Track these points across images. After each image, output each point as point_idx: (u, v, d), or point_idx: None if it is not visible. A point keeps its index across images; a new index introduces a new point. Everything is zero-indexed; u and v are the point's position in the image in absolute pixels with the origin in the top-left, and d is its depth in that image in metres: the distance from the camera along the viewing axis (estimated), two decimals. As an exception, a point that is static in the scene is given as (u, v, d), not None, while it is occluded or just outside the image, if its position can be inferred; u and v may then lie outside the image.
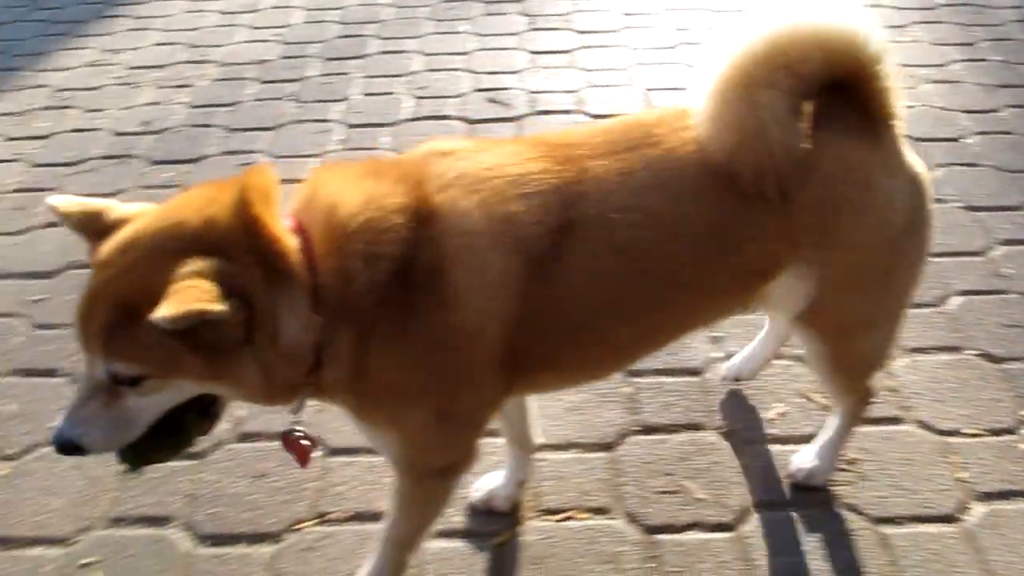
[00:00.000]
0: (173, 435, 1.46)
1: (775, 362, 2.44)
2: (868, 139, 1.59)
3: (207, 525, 2.11)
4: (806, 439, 2.21)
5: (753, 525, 2.03)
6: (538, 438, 2.09)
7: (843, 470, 2.15)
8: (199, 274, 1.24)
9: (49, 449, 2.33)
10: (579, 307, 1.54)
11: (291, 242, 1.35)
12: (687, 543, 2.00)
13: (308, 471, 2.05)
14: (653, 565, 1.95)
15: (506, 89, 4.05)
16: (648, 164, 1.54)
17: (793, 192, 1.53)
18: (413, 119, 3.84)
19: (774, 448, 2.23)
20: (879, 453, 2.20)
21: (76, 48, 4.84)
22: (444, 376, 1.50)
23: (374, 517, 1.74)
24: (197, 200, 1.38)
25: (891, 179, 1.61)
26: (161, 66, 4.55)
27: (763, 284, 1.66)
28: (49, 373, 2.61)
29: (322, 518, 2.10)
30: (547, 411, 2.32)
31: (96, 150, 3.81)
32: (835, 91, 1.55)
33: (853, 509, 2.06)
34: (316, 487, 2.18)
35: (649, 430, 2.28)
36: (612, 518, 2.06)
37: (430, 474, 1.67)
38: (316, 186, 1.48)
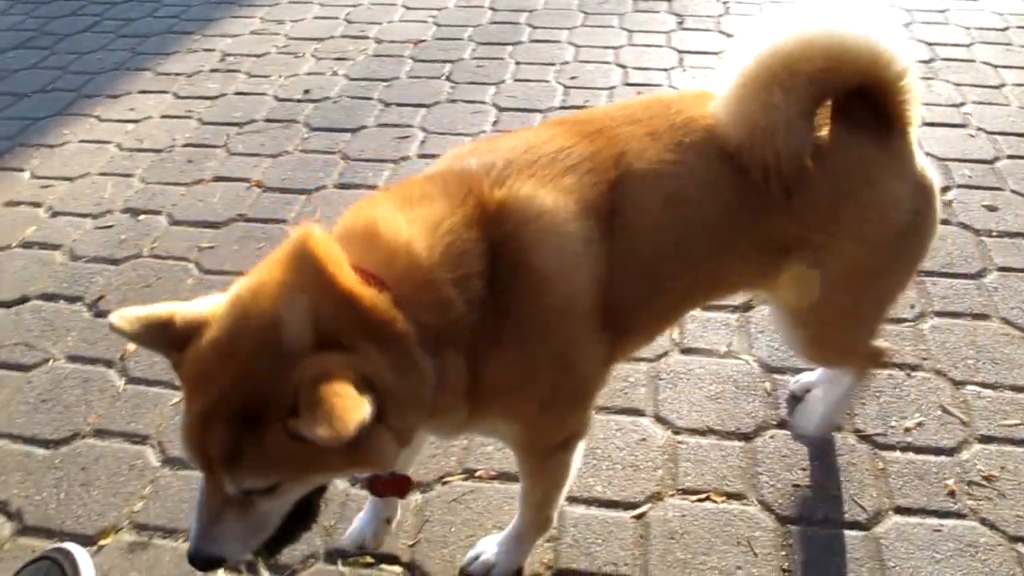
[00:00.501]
0: (302, 518, 1.41)
1: (916, 374, 2.45)
2: (880, 139, 1.62)
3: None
4: (944, 451, 2.22)
5: (887, 527, 2.05)
6: (679, 420, 2.16)
7: (981, 486, 2.15)
8: (330, 376, 1.14)
9: (217, 383, 2.51)
10: (647, 258, 1.56)
11: (387, 305, 1.27)
12: (820, 536, 2.04)
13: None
14: (785, 553, 2.00)
15: (655, 85, 4.10)
16: (674, 128, 1.58)
17: (796, 190, 1.57)
18: (563, 107, 3.93)
19: (910, 456, 2.24)
20: (1019, 472, 2.18)
21: (242, 16, 5.10)
22: (554, 361, 1.51)
23: (517, 479, 1.84)
24: (271, 286, 1.26)
25: (898, 181, 1.64)
26: (320, 39, 4.76)
27: (779, 260, 1.68)
28: (217, 314, 2.79)
29: (470, 474, 2.21)
30: (689, 397, 2.40)
31: (260, 113, 4.03)
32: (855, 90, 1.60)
33: (990, 525, 2.06)
34: (464, 446, 2.29)
35: (786, 425, 2.32)
36: (747, 504, 2.12)
37: (550, 450, 1.70)
38: (366, 228, 1.38)
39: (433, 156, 3.51)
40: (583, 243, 1.46)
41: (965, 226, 3.08)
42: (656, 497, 2.14)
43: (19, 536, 2.13)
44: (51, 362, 2.65)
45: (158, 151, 3.76)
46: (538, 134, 1.58)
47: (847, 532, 2.04)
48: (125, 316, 1.28)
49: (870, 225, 1.64)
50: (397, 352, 1.26)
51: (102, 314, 2.83)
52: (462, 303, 1.35)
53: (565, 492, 1.86)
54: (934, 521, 2.07)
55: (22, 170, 3.67)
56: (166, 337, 1.28)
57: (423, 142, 3.71)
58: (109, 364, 2.63)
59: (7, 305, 2.90)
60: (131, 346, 2.67)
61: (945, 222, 3.09)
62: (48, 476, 2.28)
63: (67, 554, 1.98)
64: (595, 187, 1.49)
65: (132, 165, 3.67)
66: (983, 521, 2.07)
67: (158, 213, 3.34)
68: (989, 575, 1.95)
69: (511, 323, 1.40)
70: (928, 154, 3.38)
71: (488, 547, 1.95)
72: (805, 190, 1.58)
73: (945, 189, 3.27)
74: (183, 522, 2.14)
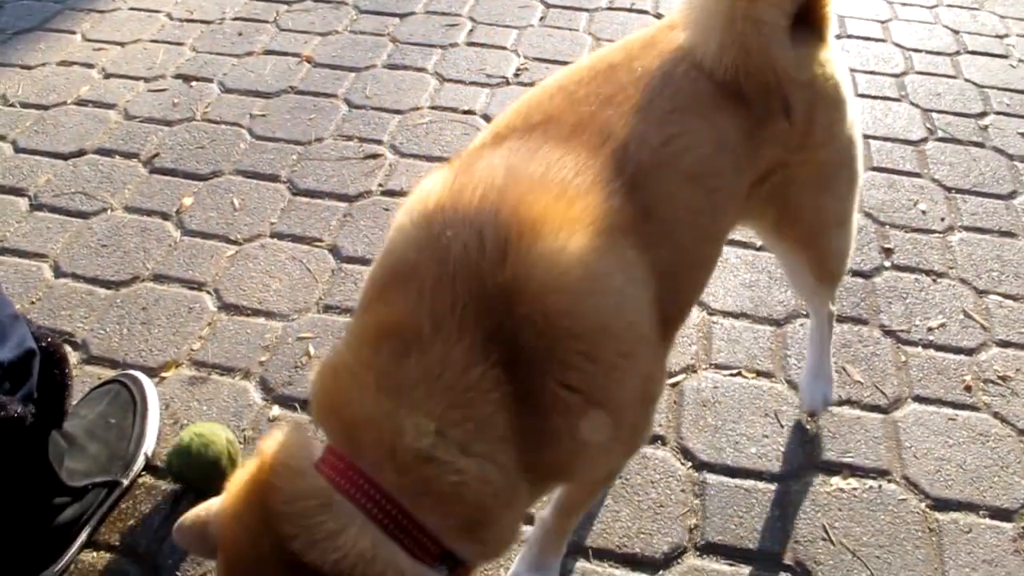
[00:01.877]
0: None
1: (942, 281, 2.54)
2: (822, 43, 1.55)
3: (410, 323, 2.35)
4: (963, 351, 2.32)
5: (905, 412, 2.16)
6: (715, 303, 2.24)
7: (996, 384, 2.25)
8: None
9: (270, 239, 2.61)
10: (687, 246, 1.40)
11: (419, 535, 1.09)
12: (843, 415, 2.15)
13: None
14: (809, 427, 2.11)
15: None
16: (655, 92, 1.37)
17: (795, 106, 1.47)
18: (610, 8, 3.94)
19: (931, 352, 2.34)
20: (1034, 375, 2.29)
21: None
22: (629, 407, 1.29)
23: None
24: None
25: (842, 76, 1.59)
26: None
27: (757, 192, 1.57)
28: (270, 178, 2.87)
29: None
30: (725, 283, 2.50)
31: (311, -8, 4.04)
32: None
33: (1001, 419, 2.16)
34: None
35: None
36: (775, 382, 2.22)
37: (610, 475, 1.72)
38: (335, 402, 1.14)
39: (481, 46, 3.55)
40: (624, 274, 1.21)
41: (999, 150, 3.13)
42: (691, 369, 2.25)
43: (85, 364, 2.24)
44: (110, 211, 2.74)
45: (208, 23, 3.78)
46: (513, 150, 1.27)
47: (868, 414, 2.15)
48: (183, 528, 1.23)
49: (838, 124, 1.61)
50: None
51: (158, 171, 2.90)
52: (480, 443, 1.09)
53: None
54: (949, 411, 2.18)
55: (73, 32, 3.70)
56: (208, 546, 1.19)
57: (471, 31, 3.73)
58: (166, 216, 2.71)
59: (65, 157, 2.97)
60: (187, 201, 2.75)
61: (979, 145, 3.14)
62: (110, 313, 2.38)
63: (135, 380, 2.10)
64: (611, 199, 1.22)
65: (183, 35, 3.69)
66: (995, 415, 2.17)
67: (210, 81, 3.38)
68: (997, 462, 2.06)
69: (576, 399, 1.14)
70: (968, 80, 3.43)
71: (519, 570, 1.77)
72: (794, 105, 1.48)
73: (982, 115, 3.31)
74: (240, 362, 2.25)
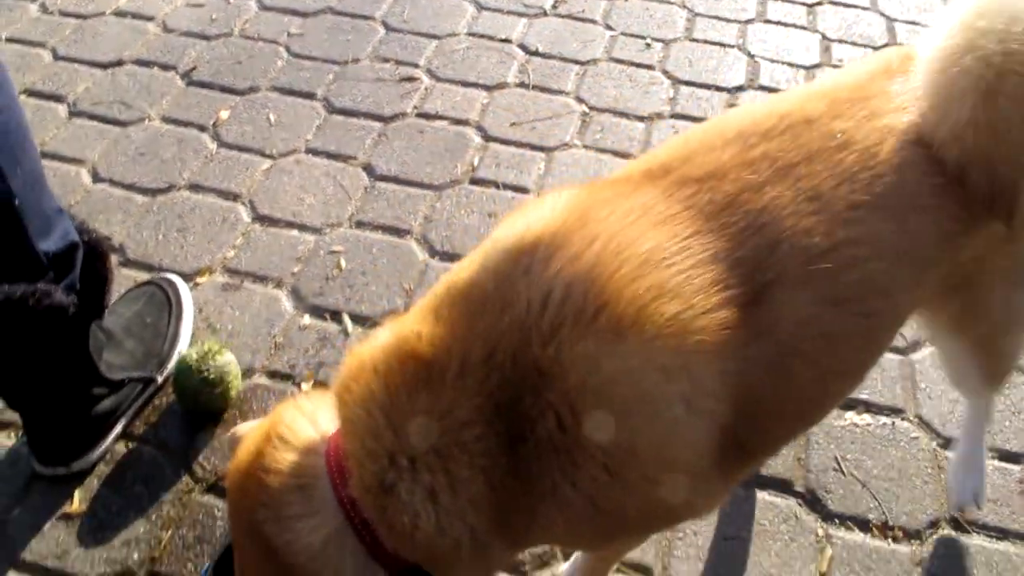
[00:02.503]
0: None
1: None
2: None
3: (441, 244, 2.39)
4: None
5: (923, 355, 2.18)
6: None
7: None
8: None
9: (304, 155, 2.64)
10: (795, 381, 1.14)
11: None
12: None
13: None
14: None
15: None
16: (847, 177, 1.13)
17: (1016, 213, 1.19)
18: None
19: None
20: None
21: None
22: (639, 517, 1.17)
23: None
24: None
25: None
26: None
27: (949, 293, 1.33)
28: (307, 96, 2.89)
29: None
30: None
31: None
32: None
33: (1018, 369, 2.18)
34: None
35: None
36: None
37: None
38: (347, 393, 1.11)
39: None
40: (686, 405, 1.04)
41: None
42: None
43: (122, 268, 2.28)
44: (147, 121, 2.77)
45: (247, -60, 3.75)
46: (638, 207, 1.10)
47: (886, 355, 2.17)
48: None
49: None
50: None
51: (195, 84, 2.92)
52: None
53: None
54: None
55: (113, -57, 3.68)
56: None
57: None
58: (202, 128, 2.74)
59: (103, 66, 2.99)
60: (224, 114, 2.77)
61: None
62: (147, 219, 2.42)
63: (170, 283, 2.14)
64: (723, 309, 1.04)
65: (222, -50, 3.67)
66: (1013, 362, 2.19)
67: (248, -3, 3.38)
68: (1010, 407, 2.09)
69: (580, 499, 1.06)
70: None
71: None
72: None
73: None
74: (273, 271, 2.29)
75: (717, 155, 1.15)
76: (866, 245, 1.11)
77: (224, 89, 2.89)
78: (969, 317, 1.43)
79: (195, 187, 2.53)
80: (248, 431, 1.23)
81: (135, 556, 1.74)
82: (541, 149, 2.70)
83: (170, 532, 1.78)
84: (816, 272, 1.08)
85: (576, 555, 1.63)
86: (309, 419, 1.17)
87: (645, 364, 1.01)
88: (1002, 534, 1.85)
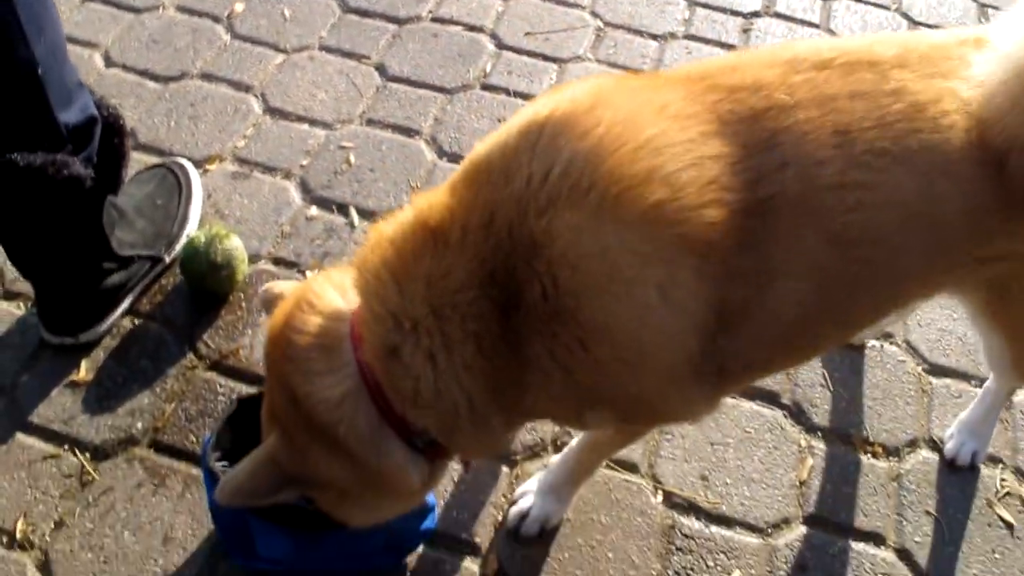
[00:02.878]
0: None
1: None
2: None
3: (450, 145, 2.40)
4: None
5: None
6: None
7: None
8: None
9: (318, 52, 2.62)
10: (786, 310, 1.15)
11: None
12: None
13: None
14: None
15: None
16: (883, 122, 1.10)
17: None
18: None
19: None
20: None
21: None
22: (620, 402, 1.21)
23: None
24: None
25: None
26: None
27: (975, 269, 1.29)
28: (322, -8, 2.86)
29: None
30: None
31: None
32: None
33: None
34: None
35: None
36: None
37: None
38: (365, 261, 1.17)
39: None
40: (661, 293, 1.05)
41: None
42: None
43: (134, 151, 2.28)
44: (161, 9, 2.74)
45: None
46: (656, 102, 1.11)
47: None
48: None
49: None
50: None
51: (210, -27, 2.88)
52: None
53: None
54: (960, 287, 2.23)
55: None
56: None
57: None
58: (216, 19, 2.72)
59: (118, -49, 2.94)
60: (238, 7, 2.75)
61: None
62: (159, 105, 2.43)
63: (181, 167, 2.16)
64: (713, 209, 1.04)
65: None
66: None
67: None
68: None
69: (557, 370, 1.10)
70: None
71: (533, 499, 1.69)
72: None
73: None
74: (282, 163, 2.31)
75: (759, 72, 1.14)
76: (879, 193, 1.10)
77: (240, -19, 2.86)
78: (1000, 309, 1.41)
79: (207, 76, 2.52)
80: (281, 289, 1.30)
81: (139, 425, 1.79)
82: (554, 60, 2.69)
83: (173, 405, 1.83)
84: (817, 203, 1.08)
85: (568, 446, 1.68)
86: (338, 289, 1.23)
87: (620, 244, 1.03)
88: (977, 456, 1.90)
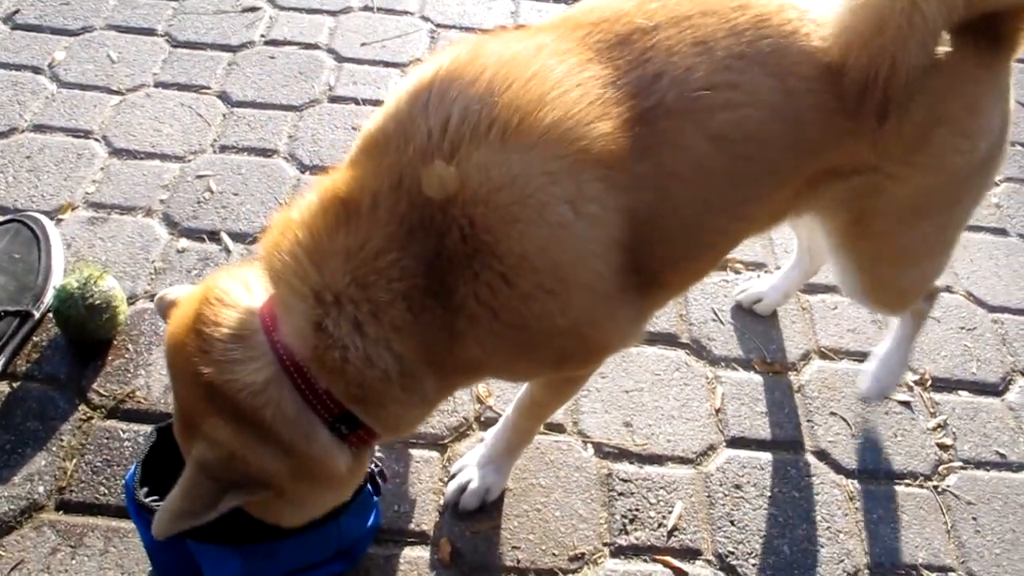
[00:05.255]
0: None
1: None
2: (986, 63, 1.31)
3: (310, 159, 2.33)
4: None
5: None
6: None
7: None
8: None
9: (154, 88, 2.50)
10: (686, 210, 1.20)
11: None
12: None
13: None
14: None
15: None
16: (736, 32, 1.18)
17: (890, 114, 1.23)
18: None
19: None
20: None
21: None
22: (554, 336, 1.19)
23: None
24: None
25: (995, 109, 1.36)
26: None
27: (827, 185, 1.35)
28: (147, 32, 2.72)
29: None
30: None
31: None
32: None
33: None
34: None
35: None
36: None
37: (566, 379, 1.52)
38: (273, 249, 1.13)
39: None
40: (572, 208, 1.07)
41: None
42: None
43: (-27, 213, 2.11)
44: (-27, 68, 2.54)
45: None
46: (532, 45, 1.14)
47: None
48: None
49: (957, 156, 1.34)
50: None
51: (21, 27, 2.69)
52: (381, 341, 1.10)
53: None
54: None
55: None
56: None
57: None
58: (37, 70, 2.54)
59: (-88, 18, 2.71)
60: (59, 55, 2.58)
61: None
62: (-8, 164, 2.24)
63: (33, 219, 2.00)
64: (606, 127, 1.08)
65: None
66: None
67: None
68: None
69: (484, 312, 1.10)
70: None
71: (471, 472, 1.66)
72: (898, 114, 1.24)
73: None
74: (140, 201, 2.18)
75: (617, 4, 1.20)
76: (743, 92, 1.16)
77: (54, 31, 2.68)
78: (856, 233, 1.45)
79: (40, 128, 2.35)
80: (179, 294, 1.22)
81: (40, 489, 1.64)
82: (395, 65, 2.67)
83: (75, 461, 1.68)
84: (693, 105, 1.13)
85: (503, 416, 1.65)
86: (242, 284, 1.18)
87: (528, 168, 1.05)
88: (861, 357, 2.01)
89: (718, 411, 1.87)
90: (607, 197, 1.09)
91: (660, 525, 1.68)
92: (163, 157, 2.30)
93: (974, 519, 1.76)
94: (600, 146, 1.08)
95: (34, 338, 1.86)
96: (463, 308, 1.09)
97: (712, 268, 1.52)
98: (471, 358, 1.15)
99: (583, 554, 1.63)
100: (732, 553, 1.65)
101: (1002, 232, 2.41)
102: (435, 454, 1.74)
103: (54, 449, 1.69)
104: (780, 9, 1.20)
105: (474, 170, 1.04)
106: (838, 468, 1.79)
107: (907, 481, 1.80)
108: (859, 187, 1.34)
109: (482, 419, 1.80)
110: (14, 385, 1.78)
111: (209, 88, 2.52)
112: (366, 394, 1.13)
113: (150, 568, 1.51)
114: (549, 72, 1.09)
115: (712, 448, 1.80)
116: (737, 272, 2.17)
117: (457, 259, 1.06)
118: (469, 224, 1.05)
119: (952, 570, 1.68)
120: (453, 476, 1.68)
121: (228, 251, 2.08)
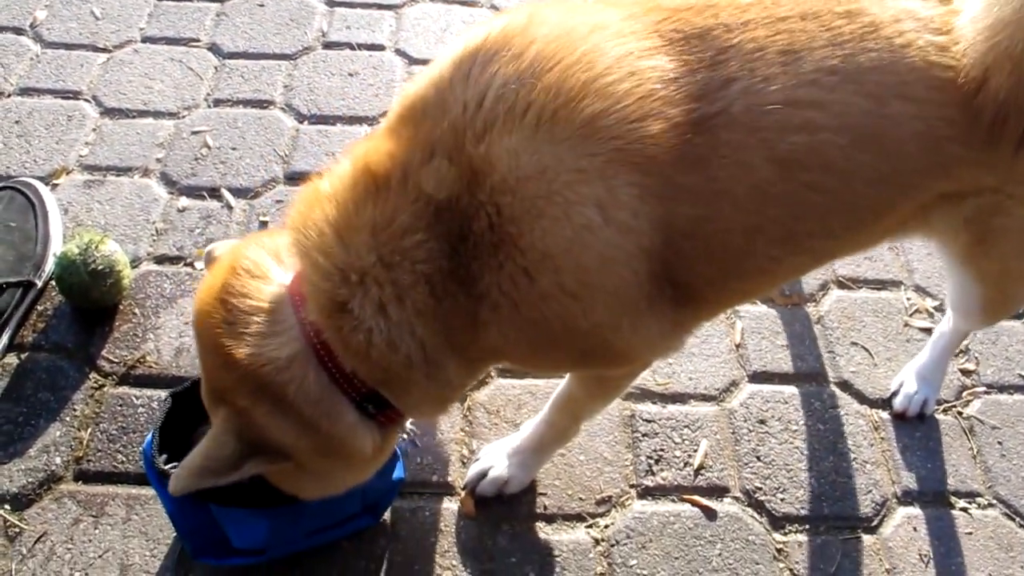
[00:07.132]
0: None
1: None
2: None
3: (308, 108, 2.24)
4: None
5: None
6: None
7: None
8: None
9: (142, 44, 2.39)
10: (733, 232, 1.06)
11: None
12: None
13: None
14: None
15: None
16: (835, 42, 1.01)
17: None
18: None
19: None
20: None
21: None
22: (575, 341, 1.11)
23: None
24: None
25: None
26: None
27: (945, 208, 1.18)
28: (128, -16, 2.60)
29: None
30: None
31: None
32: None
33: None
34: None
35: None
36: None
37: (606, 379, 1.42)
38: (301, 221, 1.07)
39: None
40: (600, 212, 0.97)
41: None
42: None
43: (-36, 182, 2.02)
44: (-47, 33, 2.43)
45: None
46: (592, 21, 1.02)
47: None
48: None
49: None
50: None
51: (-2, -11, 2.57)
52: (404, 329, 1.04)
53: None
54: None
55: None
56: None
57: None
58: (19, 31, 2.42)
59: None
60: (40, 14, 2.47)
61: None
62: (-20, 130, 2.15)
63: (27, 184, 1.92)
64: (654, 128, 0.96)
65: None
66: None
67: None
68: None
69: (506, 303, 1.02)
70: None
71: (496, 460, 1.56)
72: None
73: None
74: (136, 161, 2.09)
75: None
76: (827, 113, 1.00)
77: (33, -12, 2.56)
78: (979, 254, 1.29)
79: (27, 91, 2.25)
80: (223, 250, 1.19)
81: (57, 460, 1.59)
82: (389, 8, 2.56)
83: (90, 430, 1.63)
84: (762, 121, 0.99)
85: (540, 412, 1.56)
86: (271, 253, 1.12)
87: (558, 163, 0.95)
88: (879, 285, 1.95)
89: (738, 346, 1.81)
90: (640, 205, 0.98)
91: (686, 464, 1.63)
92: (156, 114, 2.20)
93: (999, 443, 1.71)
94: (640, 149, 0.96)
95: (38, 307, 1.79)
96: (487, 296, 1.02)
97: (767, 292, 1.39)
98: (494, 346, 1.09)
99: (610, 497, 1.58)
100: (760, 489, 1.62)
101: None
102: (456, 404, 1.69)
103: (68, 419, 1.64)
104: (895, 19, 1.03)
105: (504, 154, 0.96)
106: (862, 398, 1.75)
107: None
108: (978, 209, 1.17)
109: (501, 366, 1.74)
110: (22, 357, 1.73)
111: (199, 41, 2.42)
112: (390, 378, 1.08)
113: (174, 535, 1.47)
114: (600, 56, 0.97)
115: (734, 384, 1.75)
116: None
117: (483, 246, 0.99)
118: (496, 212, 0.97)
119: (980, 495, 1.64)
120: (478, 458, 1.60)
121: (230, 207, 2.00)
